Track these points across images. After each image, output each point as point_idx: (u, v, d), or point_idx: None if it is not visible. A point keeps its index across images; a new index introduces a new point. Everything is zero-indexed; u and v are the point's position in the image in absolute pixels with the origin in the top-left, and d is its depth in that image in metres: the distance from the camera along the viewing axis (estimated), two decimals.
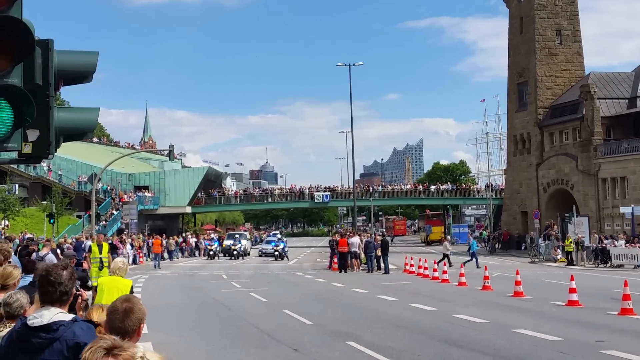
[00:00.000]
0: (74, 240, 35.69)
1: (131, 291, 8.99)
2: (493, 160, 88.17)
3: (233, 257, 50.29)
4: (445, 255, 35.50)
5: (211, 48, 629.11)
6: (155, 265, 41.00)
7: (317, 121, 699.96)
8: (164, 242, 48.56)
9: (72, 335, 3.71)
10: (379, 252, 34.80)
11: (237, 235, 55.23)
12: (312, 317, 16.24)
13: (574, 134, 54.63)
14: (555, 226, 47.24)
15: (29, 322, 3.86)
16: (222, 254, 52.37)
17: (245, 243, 53.68)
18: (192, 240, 57.69)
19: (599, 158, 51.46)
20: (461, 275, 25.89)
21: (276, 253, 49.58)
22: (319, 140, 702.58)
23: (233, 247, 50.65)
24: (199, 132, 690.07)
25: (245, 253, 52.49)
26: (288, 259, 48.33)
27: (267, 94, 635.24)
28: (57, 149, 5.66)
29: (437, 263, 33.30)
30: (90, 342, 3.63)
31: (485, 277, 23.94)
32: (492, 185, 76.26)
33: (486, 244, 63.37)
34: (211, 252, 50.31)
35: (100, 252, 18.69)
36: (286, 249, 55.04)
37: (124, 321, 3.60)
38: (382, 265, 34.53)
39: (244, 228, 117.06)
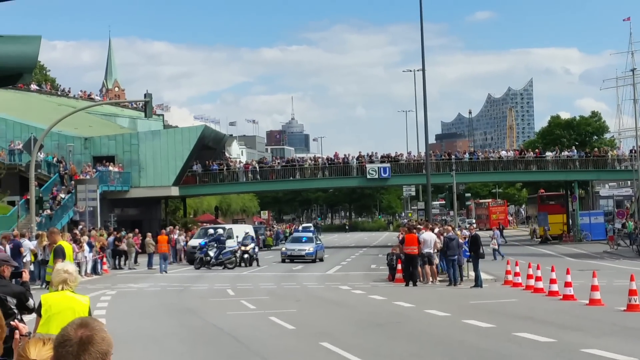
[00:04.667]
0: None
1: (89, 313, 9.11)
2: None
3: (227, 266, 49.50)
4: None
5: None
6: (161, 270, 46.01)
7: (367, 55, 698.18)
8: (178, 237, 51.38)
9: None
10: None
11: (219, 232, 53.28)
12: (365, 353, 16.33)
13: None
14: None
15: None
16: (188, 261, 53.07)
17: (250, 245, 52.48)
18: (181, 239, 58.30)
19: None
20: (594, 289, 25.72)
21: (245, 256, 50.55)
22: (371, 85, 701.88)
23: (244, 249, 50.92)
24: (188, 74, 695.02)
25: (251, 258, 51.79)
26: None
27: (290, 16, 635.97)
28: None
29: None
30: None
31: (632, 292, 23.74)
32: None
33: (632, 240, 62.81)
34: (208, 258, 49.97)
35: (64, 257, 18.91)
36: (320, 250, 56.15)
37: (80, 356, 3.65)
38: (472, 274, 34.51)
39: (259, 219, 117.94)
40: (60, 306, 9.04)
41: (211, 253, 49.57)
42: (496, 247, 54.01)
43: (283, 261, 54.69)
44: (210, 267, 48.64)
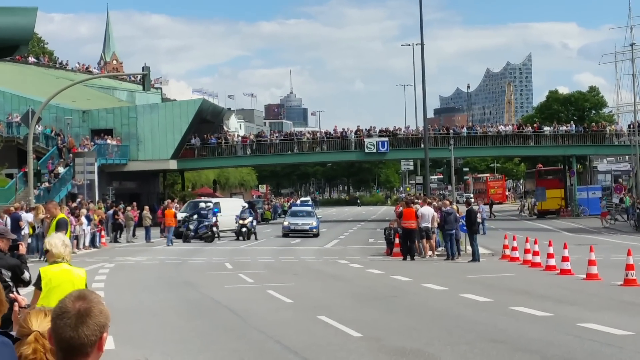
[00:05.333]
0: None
1: (86, 286, 9.13)
2: None
3: (206, 240, 49.75)
4: None
5: None
6: (168, 243, 46.29)
7: (366, 29, 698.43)
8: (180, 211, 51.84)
9: None
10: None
11: (201, 205, 52.77)
12: (362, 326, 16.37)
13: None
14: None
15: None
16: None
17: (248, 219, 52.33)
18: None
19: None
20: (591, 263, 25.78)
21: (244, 229, 50.76)
22: (369, 59, 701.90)
23: (242, 222, 51.07)
24: (186, 48, 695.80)
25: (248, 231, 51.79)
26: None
27: None
28: None
29: None
30: None
31: (629, 267, 23.80)
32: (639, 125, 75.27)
33: (629, 215, 62.93)
34: (188, 232, 49.93)
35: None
36: (316, 225, 55.22)
37: (78, 328, 3.65)
38: (469, 248, 34.57)
39: (257, 193, 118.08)
40: (60, 279, 9.08)
41: (192, 227, 49.81)
42: (480, 221, 54.00)
43: (285, 236, 53.87)
44: (189, 241, 48.78)
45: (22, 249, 11.34)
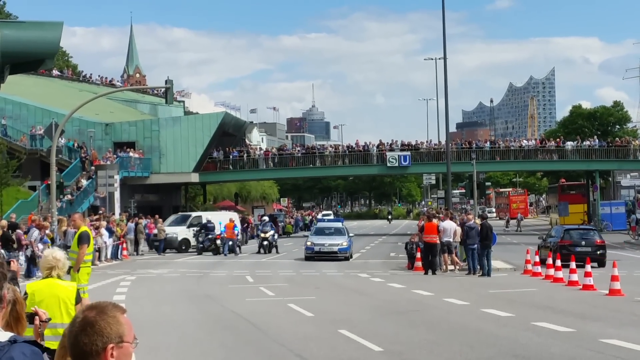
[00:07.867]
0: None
1: (78, 299, 9.11)
2: None
3: (231, 253, 50.08)
4: None
5: None
6: (224, 252, 48.69)
7: (387, 43, 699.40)
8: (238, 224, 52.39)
9: None
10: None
11: (208, 218, 52.50)
12: (383, 341, 16.38)
13: None
14: None
15: None
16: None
17: (269, 232, 51.82)
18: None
19: None
20: (614, 279, 25.68)
21: (265, 243, 51.07)
22: (391, 73, 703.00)
23: (263, 236, 51.24)
24: (208, 61, 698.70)
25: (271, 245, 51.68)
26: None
27: (309, 3, 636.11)
28: (1, 85, 5.78)
29: None
30: None
31: None
32: None
33: None
34: (210, 245, 51.02)
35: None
36: (347, 245, 46.16)
37: (78, 336, 3.70)
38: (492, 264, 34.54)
39: (278, 206, 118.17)
40: (43, 294, 8.99)
41: (200, 239, 51.32)
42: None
43: (308, 259, 45.30)
44: (201, 253, 50.41)
45: (14, 266, 11.37)
